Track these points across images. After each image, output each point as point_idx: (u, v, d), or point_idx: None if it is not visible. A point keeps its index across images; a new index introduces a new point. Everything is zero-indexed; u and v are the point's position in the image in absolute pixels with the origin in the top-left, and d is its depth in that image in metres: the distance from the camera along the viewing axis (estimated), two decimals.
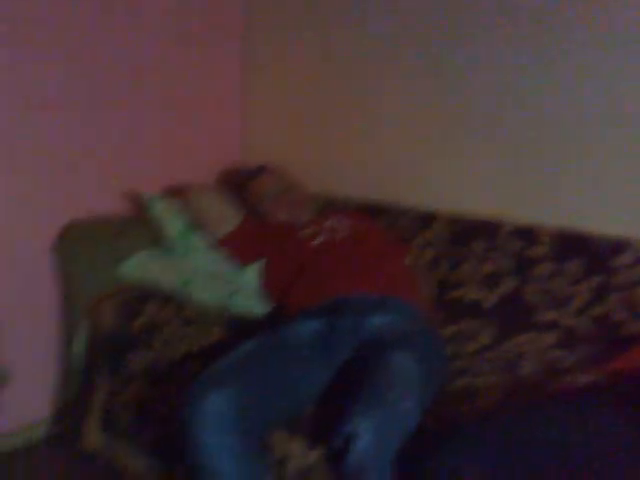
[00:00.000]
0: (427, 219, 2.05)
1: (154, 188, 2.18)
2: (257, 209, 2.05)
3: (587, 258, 1.75)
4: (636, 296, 1.66)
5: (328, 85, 2.28)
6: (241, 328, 1.74)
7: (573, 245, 1.78)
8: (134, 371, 1.76)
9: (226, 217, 2.00)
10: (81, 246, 1.93)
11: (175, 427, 1.61)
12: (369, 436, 1.19)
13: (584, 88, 1.77)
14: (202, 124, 2.37)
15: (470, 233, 1.95)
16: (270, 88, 2.44)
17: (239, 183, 2.14)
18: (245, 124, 2.50)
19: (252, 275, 1.86)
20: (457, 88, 2.00)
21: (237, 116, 2.50)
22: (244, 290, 1.84)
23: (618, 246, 1.71)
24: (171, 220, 1.98)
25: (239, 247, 1.94)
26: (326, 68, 2.27)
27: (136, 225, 2.05)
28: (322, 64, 2.28)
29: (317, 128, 2.34)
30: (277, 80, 2.41)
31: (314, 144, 2.37)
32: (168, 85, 2.23)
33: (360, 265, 1.73)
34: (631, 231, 1.72)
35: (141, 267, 1.94)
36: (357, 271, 1.70)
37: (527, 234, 1.86)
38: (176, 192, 2.15)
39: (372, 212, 2.14)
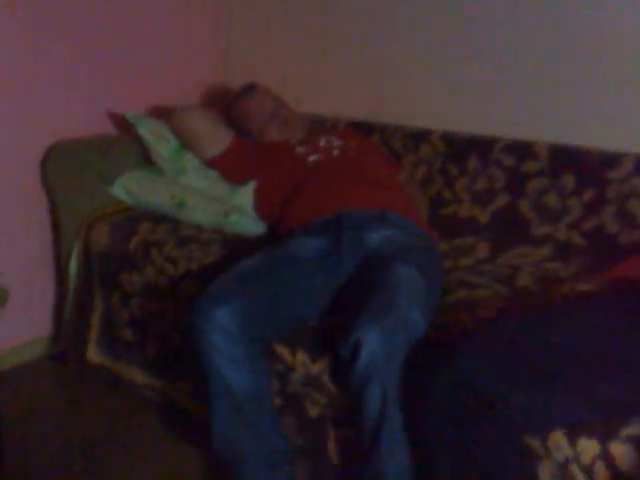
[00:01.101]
0: (420, 137, 2.03)
1: (139, 109, 2.13)
2: (247, 128, 2.00)
3: (581, 172, 1.76)
4: (629, 209, 1.68)
5: (319, 6, 2.20)
6: (239, 247, 1.73)
7: (567, 159, 1.78)
8: (133, 289, 1.76)
9: (216, 137, 1.96)
10: (68, 164, 1.89)
11: (177, 342, 1.65)
12: (377, 342, 1.21)
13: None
14: (185, 42, 2.29)
15: (464, 149, 1.94)
16: (255, 4, 2.35)
17: (228, 102, 2.08)
18: (230, 42, 2.42)
19: (247, 194, 1.84)
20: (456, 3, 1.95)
21: (221, 34, 2.41)
22: (239, 210, 1.82)
23: (611, 160, 1.72)
24: (161, 139, 1.93)
25: (231, 167, 1.91)
26: None
27: (123, 145, 2.00)
28: None
29: (306, 46, 2.27)
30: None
31: (301, 62, 2.31)
32: (149, 2, 2.14)
33: (358, 181, 1.72)
34: (624, 145, 1.72)
35: (131, 187, 1.91)
36: (355, 187, 1.69)
37: (521, 149, 1.86)
38: (162, 112, 2.09)
39: (363, 130, 2.12)
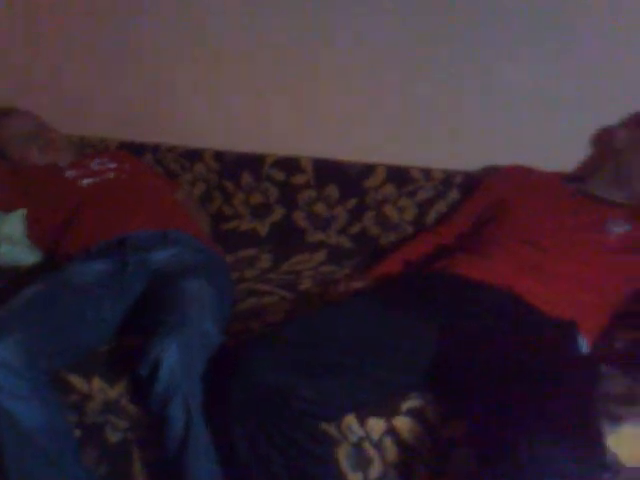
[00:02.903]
0: (193, 155, 2.08)
1: None
2: (8, 153, 1.89)
3: (343, 182, 1.95)
4: (385, 213, 1.91)
5: (73, 18, 2.13)
6: (15, 278, 1.61)
7: (330, 172, 1.96)
8: None
9: None
10: None
11: None
12: (175, 358, 1.23)
13: None
14: None
15: (237, 166, 2.03)
16: (9, 26, 2.19)
17: None
18: None
19: (16, 222, 1.72)
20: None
21: None
22: (9, 239, 1.70)
23: (367, 171, 1.93)
24: None
25: None
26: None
27: None
28: None
29: (67, 68, 2.19)
30: (17, 15, 2.18)
31: (65, 83, 2.22)
32: None
33: (136, 202, 1.72)
34: (375, 157, 1.95)
35: None
36: (134, 209, 1.69)
37: (289, 164, 2.00)
38: None
39: (134, 151, 2.10)
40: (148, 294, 1.50)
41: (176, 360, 1.24)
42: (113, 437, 1.38)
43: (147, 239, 1.60)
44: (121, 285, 1.50)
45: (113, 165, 1.86)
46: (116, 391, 1.35)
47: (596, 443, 0.99)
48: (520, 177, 1.68)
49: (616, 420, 1.11)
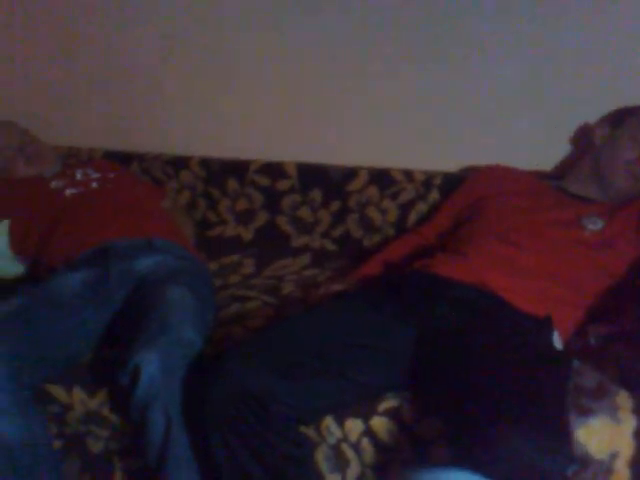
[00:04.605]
0: (179, 163, 2.09)
1: None
2: None
3: (326, 186, 1.95)
4: (368, 215, 1.92)
5: (57, 28, 2.14)
6: None
7: (313, 176, 1.97)
8: None
9: None
10: None
11: None
12: (155, 364, 1.24)
13: None
14: None
15: (222, 173, 2.04)
16: None
17: None
18: None
19: None
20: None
21: None
22: None
23: (350, 174, 1.94)
24: None
25: None
26: (54, 6, 2.12)
27: None
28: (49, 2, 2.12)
29: (54, 77, 2.20)
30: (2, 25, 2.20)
31: (47, 95, 2.23)
32: None
33: (120, 211, 1.72)
34: (357, 160, 1.96)
35: None
36: (118, 217, 1.69)
37: (273, 170, 2.00)
38: None
39: (121, 160, 2.12)
40: (131, 302, 1.51)
41: (156, 367, 1.24)
42: (95, 447, 1.39)
43: (131, 247, 1.61)
44: (104, 294, 1.51)
45: (97, 175, 1.87)
46: (97, 400, 1.35)
47: (564, 436, 0.99)
48: (498, 176, 1.69)
49: (586, 413, 1.11)
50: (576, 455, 1.02)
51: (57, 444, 1.39)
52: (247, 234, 2.02)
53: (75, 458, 1.40)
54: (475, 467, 0.97)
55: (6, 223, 1.75)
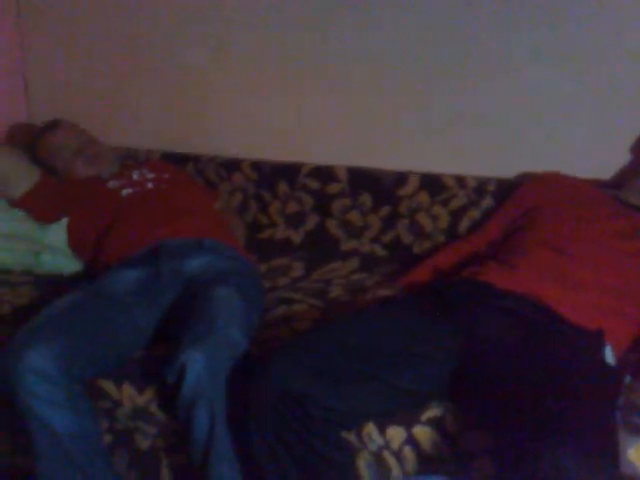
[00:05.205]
0: (232, 165, 2.12)
1: None
2: (53, 166, 1.96)
3: (377, 191, 1.95)
4: (418, 221, 1.91)
5: (118, 33, 2.21)
6: (54, 287, 1.68)
7: (364, 180, 1.97)
8: None
9: (19, 177, 1.91)
10: None
11: None
12: (201, 363, 1.26)
13: None
14: None
15: (273, 176, 2.06)
16: (52, 39, 2.29)
17: (32, 141, 2.02)
18: (29, 80, 2.34)
19: (58, 232, 1.80)
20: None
21: (17, 71, 2.32)
22: (50, 249, 1.78)
23: (401, 179, 1.93)
24: None
25: (39, 206, 1.86)
26: (115, 12, 2.19)
27: None
28: (111, 8, 2.19)
29: (111, 81, 2.27)
30: (60, 29, 2.28)
31: (108, 97, 2.30)
32: None
33: (173, 211, 1.76)
34: (409, 165, 1.95)
35: None
36: (171, 217, 1.73)
37: (324, 173, 2.01)
38: None
39: (177, 161, 2.16)
40: (180, 301, 1.53)
41: (202, 367, 1.27)
42: (143, 444, 1.42)
43: (182, 247, 1.64)
44: (155, 293, 1.54)
45: (152, 175, 1.92)
46: (145, 397, 1.39)
47: (610, 454, 0.96)
48: (555, 184, 1.65)
49: (638, 432, 1.07)
50: (624, 474, 0.98)
51: (107, 439, 1.43)
52: (297, 237, 2.03)
53: (123, 453, 1.44)
54: None
55: (65, 221, 1.81)
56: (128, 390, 1.40)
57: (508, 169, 1.84)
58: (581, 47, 1.67)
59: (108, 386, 1.41)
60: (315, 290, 1.74)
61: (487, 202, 1.81)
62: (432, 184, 1.88)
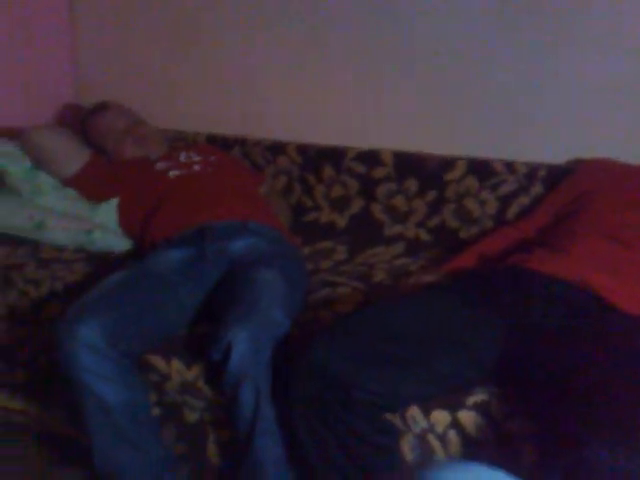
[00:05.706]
0: (277, 149, 2.13)
1: None
2: (103, 147, 1.99)
3: (422, 175, 1.93)
4: (465, 206, 1.89)
5: (167, 17, 2.24)
6: (105, 264, 1.73)
7: (409, 165, 1.96)
8: None
9: (71, 156, 1.95)
10: None
11: (46, 367, 1.62)
12: (245, 343, 1.28)
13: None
14: (31, 61, 2.23)
15: (318, 160, 2.06)
16: (102, 21, 2.33)
17: (81, 122, 2.06)
18: (78, 62, 2.39)
19: (109, 212, 1.84)
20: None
21: (67, 53, 2.37)
22: (101, 227, 1.82)
23: (447, 164, 1.91)
24: (13, 160, 1.89)
25: (89, 185, 1.91)
26: None
27: None
28: None
29: (159, 63, 2.30)
30: (110, 11, 2.31)
31: (156, 80, 2.33)
32: None
33: (219, 194, 1.78)
34: (456, 150, 1.93)
35: None
36: (216, 199, 1.75)
37: (369, 157, 2.00)
38: (11, 133, 2.03)
39: (224, 145, 2.18)
40: (224, 281, 1.56)
41: (246, 347, 1.29)
42: (191, 417, 1.45)
43: (227, 229, 1.66)
44: (200, 273, 1.57)
45: (199, 158, 1.94)
46: (193, 373, 1.42)
47: None
48: (605, 170, 1.61)
49: None
50: None
51: (156, 411, 1.47)
52: (341, 221, 2.03)
53: (172, 426, 1.47)
54: (561, 472, 0.94)
55: (115, 201, 1.86)
56: (176, 365, 1.43)
57: (559, 155, 1.80)
58: (629, 33, 1.62)
59: (157, 361, 1.44)
60: (358, 273, 1.74)
61: (537, 189, 1.78)
62: (480, 169, 1.86)
